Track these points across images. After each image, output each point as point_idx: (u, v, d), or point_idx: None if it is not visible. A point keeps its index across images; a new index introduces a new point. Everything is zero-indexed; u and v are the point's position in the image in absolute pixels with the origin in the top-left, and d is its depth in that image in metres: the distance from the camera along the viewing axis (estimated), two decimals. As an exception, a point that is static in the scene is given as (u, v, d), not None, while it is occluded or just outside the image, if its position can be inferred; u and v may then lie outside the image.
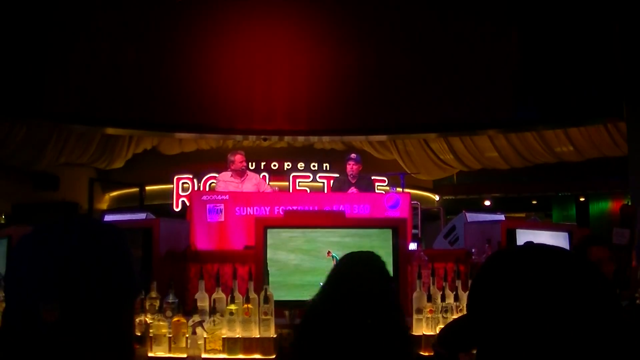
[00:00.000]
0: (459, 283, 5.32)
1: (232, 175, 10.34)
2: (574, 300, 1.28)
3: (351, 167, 10.43)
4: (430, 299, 5.09)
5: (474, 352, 1.39)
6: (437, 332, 4.70)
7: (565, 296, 1.28)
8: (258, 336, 4.86)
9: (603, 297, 1.30)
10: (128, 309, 1.61)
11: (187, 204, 10.90)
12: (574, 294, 1.28)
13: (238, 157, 10.32)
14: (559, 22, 13.80)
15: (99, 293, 1.51)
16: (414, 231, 10.82)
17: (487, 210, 20.38)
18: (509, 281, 1.32)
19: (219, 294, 4.99)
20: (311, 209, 9.13)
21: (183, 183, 15.89)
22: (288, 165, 16.48)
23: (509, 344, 1.29)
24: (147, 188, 17.28)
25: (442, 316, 5.01)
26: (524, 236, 6.68)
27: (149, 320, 4.81)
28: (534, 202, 24.73)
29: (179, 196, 15.78)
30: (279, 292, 5.16)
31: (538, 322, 1.27)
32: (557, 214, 24.07)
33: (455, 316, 4.94)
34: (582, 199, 23.45)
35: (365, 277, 3.35)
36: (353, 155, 10.65)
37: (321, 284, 3.56)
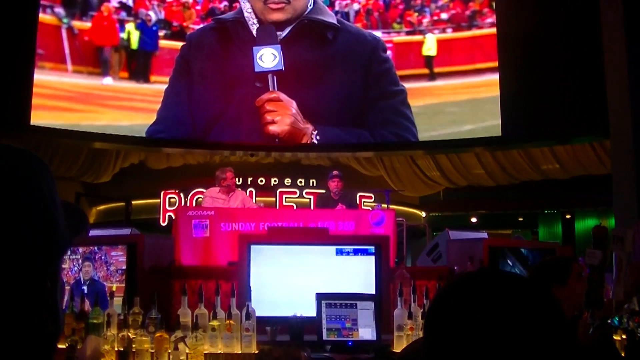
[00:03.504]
0: (440, 301, 5.36)
1: (219, 191, 10.38)
2: (525, 329, 1.32)
3: (336, 185, 10.50)
4: (411, 316, 5.15)
5: None
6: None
7: (517, 324, 1.32)
8: (240, 352, 4.90)
9: (555, 329, 1.34)
10: (51, 271, 1.12)
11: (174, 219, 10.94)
12: (525, 322, 1.33)
13: (229, 175, 10.39)
14: (546, 41, 13.90)
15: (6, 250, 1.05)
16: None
17: (471, 228, 20.44)
18: (461, 308, 1.37)
19: (202, 310, 5.03)
20: (296, 225, 9.17)
21: (170, 198, 15.88)
22: (275, 181, 16.52)
23: None
24: (134, 202, 17.26)
25: (423, 334, 5.03)
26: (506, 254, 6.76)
27: (131, 336, 4.85)
28: (520, 219, 24.80)
29: (165, 211, 15.78)
30: (261, 309, 5.20)
31: (487, 350, 1.31)
32: (543, 231, 24.13)
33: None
34: (568, 217, 23.54)
35: None
36: (336, 173, 10.75)
37: None
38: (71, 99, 14.59)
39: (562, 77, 13.69)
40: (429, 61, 15.71)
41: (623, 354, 3.85)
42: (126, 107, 15.10)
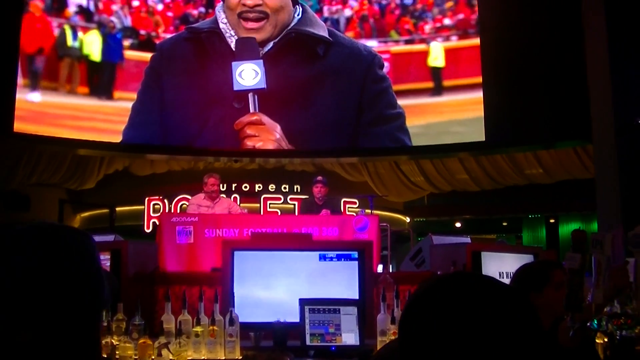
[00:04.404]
0: (423, 306, 5.36)
1: (204, 198, 10.37)
2: (497, 331, 1.34)
3: (319, 190, 10.53)
4: (394, 321, 5.16)
5: None
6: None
7: (488, 327, 1.34)
8: (223, 358, 4.90)
9: (527, 332, 1.36)
10: (96, 323, 1.56)
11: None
12: (497, 325, 1.34)
13: (211, 180, 10.37)
14: (529, 46, 13.95)
15: (66, 308, 1.45)
16: (383, 252, 10.92)
17: (456, 233, 20.50)
18: (434, 309, 1.38)
19: (185, 316, 5.03)
20: (280, 231, 9.18)
21: (154, 204, 15.83)
22: (259, 187, 16.50)
23: None
24: (118, 209, 17.23)
25: (398, 335, 5.03)
26: (489, 259, 6.78)
27: (115, 342, 4.84)
28: (505, 224, 24.87)
29: (150, 217, 15.72)
30: (244, 314, 5.21)
31: (459, 351, 1.33)
32: (528, 236, 24.20)
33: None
34: (552, 221, 23.62)
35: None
36: (320, 178, 10.76)
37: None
38: (21, 118, 13.39)
39: (546, 82, 13.76)
40: (436, 73, 14.74)
41: (602, 357, 3.89)
42: (86, 127, 13.94)
